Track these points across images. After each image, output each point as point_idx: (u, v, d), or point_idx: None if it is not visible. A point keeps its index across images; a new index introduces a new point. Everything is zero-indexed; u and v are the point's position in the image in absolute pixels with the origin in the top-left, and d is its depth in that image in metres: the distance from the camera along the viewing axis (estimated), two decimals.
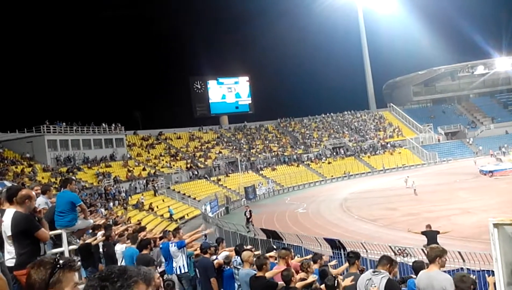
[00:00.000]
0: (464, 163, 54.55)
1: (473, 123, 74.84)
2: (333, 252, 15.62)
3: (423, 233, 14.95)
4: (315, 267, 7.58)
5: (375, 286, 5.43)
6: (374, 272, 5.75)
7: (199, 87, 72.01)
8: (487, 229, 4.34)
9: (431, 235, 14.56)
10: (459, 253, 12.70)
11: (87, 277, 8.66)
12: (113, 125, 51.86)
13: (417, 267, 6.48)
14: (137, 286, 1.72)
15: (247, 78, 74.50)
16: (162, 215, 37.34)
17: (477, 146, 65.64)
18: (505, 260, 4.26)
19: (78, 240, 10.06)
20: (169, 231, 11.69)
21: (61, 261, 2.23)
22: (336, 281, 5.57)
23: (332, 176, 58.54)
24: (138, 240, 9.51)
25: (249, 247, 10.82)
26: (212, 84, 72.03)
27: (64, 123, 46.18)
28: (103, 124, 50.75)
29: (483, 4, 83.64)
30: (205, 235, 11.44)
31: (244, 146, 64.58)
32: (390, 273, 5.75)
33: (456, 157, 63.21)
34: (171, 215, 37.59)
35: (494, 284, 5.72)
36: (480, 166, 47.01)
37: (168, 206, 39.44)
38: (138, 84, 78.37)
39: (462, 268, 11.79)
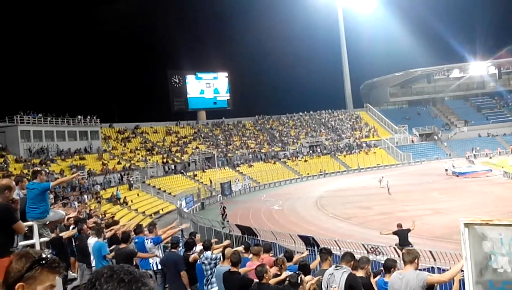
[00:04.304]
0: (437, 164, 55.60)
1: (447, 125, 76.29)
2: (307, 249, 15.73)
3: (394, 233, 15.20)
4: (290, 264, 7.63)
5: (335, 287, 5.53)
6: (336, 267, 5.86)
7: (177, 81, 71.44)
8: (458, 230, 4.45)
9: (402, 234, 14.82)
10: (430, 252, 12.95)
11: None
12: (89, 117, 51.09)
13: (389, 265, 6.59)
14: None
15: (226, 74, 74.31)
16: (136, 210, 37.02)
17: (450, 148, 67.00)
18: (474, 259, 4.35)
19: (50, 233, 9.92)
20: (142, 224, 11.57)
21: (44, 259, 2.20)
22: (299, 278, 5.63)
23: (308, 174, 58.95)
24: (106, 233, 9.45)
25: (226, 242, 10.82)
26: (190, 78, 71.56)
27: (38, 114, 45.27)
28: (78, 116, 49.94)
29: (460, 9, 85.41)
30: (182, 230, 11.41)
31: (221, 142, 64.47)
32: (353, 269, 5.89)
33: (430, 158, 64.34)
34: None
35: (459, 281, 5.89)
36: (452, 168, 48.08)
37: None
38: (115, 77, 77.27)
39: (432, 267, 12.04)
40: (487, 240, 4.28)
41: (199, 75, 72.34)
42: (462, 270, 5.02)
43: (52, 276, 2.22)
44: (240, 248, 8.89)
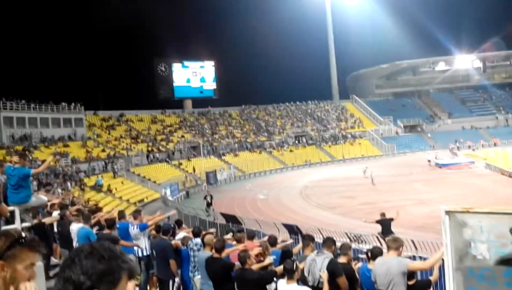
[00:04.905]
0: (421, 156, 56.21)
1: (431, 117, 76.99)
2: (291, 237, 15.84)
3: (377, 222, 15.39)
4: (273, 249, 7.69)
5: (324, 272, 5.60)
6: (318, 253, 5.93)
7: (164, 69, 70.81)
8: (440, 220, 4.52)
9: (385, 224, 15.01)
10: (412, 241, 13.15)
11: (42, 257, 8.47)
12: (73, 104, 50.52)
13: (376, 253, 6.68)
14: (125, 275, 1.65)
15: (213, 63, 73.78)
16: (120, 197, 36.83)
17: (434, 140, 67.70)
18: (454, 246, 4.41)
19: (32, 219, 9.83)
20: (124, 211, 11.50)
21: (24, 238, 2.20)
22: (295, 264, 5.68)
23: (293, 164, 59.18)
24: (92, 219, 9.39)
25: (212, 230, 10.86)
26: (177, 67, 70.97)
27: (21, 100, 44.61)
28: (62, 103, 49.32)
29: (447, 2, 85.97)
30: (168, 217, 11.39)
31: (207, 131, 64.27)
32: (335, 255, 5.96)
33: (414, 150, 64.97)
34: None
35: (439, 267, 5.99)
36: (435, 159, 48.70)
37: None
38: (100, 64, 76.38)
39: (414, 256, 12.22)
40: (467, 227, 4.35)
41: (186, 63, 71.75)
42: (442, 259, 5.12)
43: (32, 255, 2.22)
44: (228, 236, 8.93)
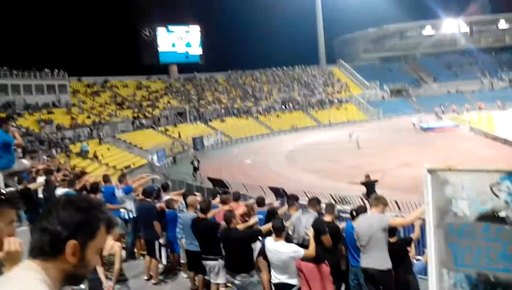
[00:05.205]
0: (406, 120, 56.56)
1: (417, 82, 77.17)
2: (277, 200, 16.03)
3: (362, 183, 15.59)
4: (261, 209, 7.78)
5: (307, 229, 5.70)
6: (303, 211, 6.03)
7: (148, 34, 69.56)
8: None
9: (370, 185, 15.21)
10: (396, 202, 13.41)
11: (28, 221, 8.51)
12: (56, 70, 49.60)
13: (360, 211, 6.80)
14: (103, 226, 1.63)
15: (198, 27, 72.50)
16: (107, 164, 36.69)
17: (420, 104, 68.04)
18: (436, 203, 4.47)
19: (17, 184, 9.77)
20: (109, 174, 11.49)
21: (4, 195, 2.17)
22: (282, 223, 5.77)
23: (280, 129, 59.28)
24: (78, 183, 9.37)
25: (197, 195, 10.92)
26: (161, 31, 69.66)
27: (3, 67, 43.65)
28: (45, 69, 48.42)
29: None
30: (153, 180, 11.42)
31: (193, 97, 63.76)
32: (319, 213, 6.08)
33: (399, 114, 65.29)
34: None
35: (420, 227, 6.13)
36: (420, 123, 49.17)
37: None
38: (83, 29, 74.59)
39: (397, 216, 12.48)
40: (448, 185, 4.41)
41: (171, 28, 70.40)
42: (423, 219, 5.23)
43: (12, 212, 2.21)
44: (217, 200, 8.98)
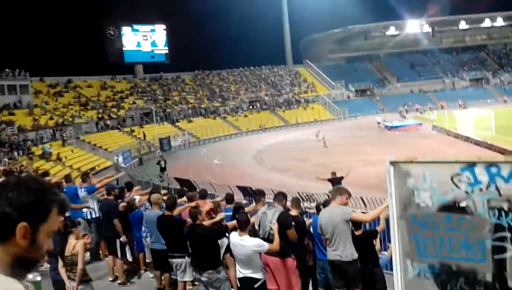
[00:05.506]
0: (371, 119, 57.59)
1: (381, 81, 78.68)
2: (245, 199, 16.00)
3: (329, 180, 15.79)
4: (229, 206, 7.74)
5: (274, 223, 5.70)
6: (269, 206, 6.03)
7: (112, 33, 68.34)
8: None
9: (336, 182, 15.39)
10: (361, 198, 13.59)
11: None
12: (17, 70, 48.17)
13: (325, 204, 6.85)
14: (55, 208, 1.54)
15: (164, 26, 71.69)
16: (71, 166, 35.82)
17: (384, 104, 69.37)
18: (399, 195, 4.54)
19: None
20: (71, 174, 11.21)
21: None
22: (247, 217, 5.75)
23: (247, 129, 59.31)
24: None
25: (163, 192, 10.80)
26: (126, 30, 68.54)
27: None
28: (6, 69, 46.94)
29: None
30: (117, 180, 11.21)
31: (159, 97, 63.04)
32: (284, 208, 6.10)
33: (364, 114, 66.41)
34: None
35: (386, 219, 6.21)
36: (384, 122, 50.14)
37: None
38: (45, 28, 72.58)
39: (363, 212, 12.66)
40: (411, 176, 4.49)
41: (136, 27, 69.36)
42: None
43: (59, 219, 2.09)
44: (183, 199, 8.88)
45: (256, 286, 5.73)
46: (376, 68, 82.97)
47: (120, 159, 37.70)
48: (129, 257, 8.45)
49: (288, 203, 7.24)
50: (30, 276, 6.55)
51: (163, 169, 30.26)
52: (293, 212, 6.44)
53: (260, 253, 5.73)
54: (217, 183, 20.41)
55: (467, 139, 35.63)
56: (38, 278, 4.93)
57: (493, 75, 76.74)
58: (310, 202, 13.92)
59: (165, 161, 31.37)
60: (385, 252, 7.78)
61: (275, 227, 5.67)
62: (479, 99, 66.12)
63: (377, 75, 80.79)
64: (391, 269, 4.73)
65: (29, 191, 1.50)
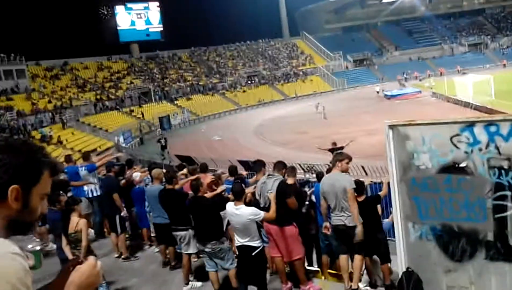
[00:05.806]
0: (370, 89, 57.35)
1: (379, 50, 77.97)
2: (246, 173, 16.05)
3: (329, 150, 15.84)
4: (229, 179, 7.78)
5: (271, 192, 5.73)
6: (268, 175, 6.05)
7: (106, 13, 67.53)
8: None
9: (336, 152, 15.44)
10: (362, 167, 13.63)
11: None
12: (13, 55, 47.82)
13: (329, 170, 6.88)
14: (46, 170, 1.53)
15: (157, 3, 70.71)
16: (72, 148, 35.87)
17: (383, 73, 68.90)
18: (398, 158, 4.55)
19: None
20: (71, 155, 11.25)
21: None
22: (242, 187, 5.79)
23: (247, 104, 59.12)
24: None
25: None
26: (120, 9, 67.65)
27: None
28: (1, 54, 46.61)
29: None
30: (117, 158, 11.26)
31: (157, 75, 62.68)
32: (285, 177, 6.12)
33: (363, 84, 66.09)
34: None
35: (388, 183, 6.22)
36: (382, 91, 49.94)
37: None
38: (38, 10, 71.59)
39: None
40: (410, 140, 4.49)
41: (129, 5, 68.40)
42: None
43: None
44: (183, 172, 8.92)
45: (253, 254, 5.82)
46: (374, 37, 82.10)
47: (121, 139, 37.73)
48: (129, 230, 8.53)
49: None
50: (29, 246, 6.65)
51: (163, 147, 30.31)
52: (290, 181, 6.47)
53: (257, 222, 5.80)
54: (218, 158, 20.45)
55: (467, 104, 35.48)
56: (37, 248, 4.99)
57: (491, 40, 75.96)
58: (312, 173, 13.99)
59: (165, 139, 31.39)
60: (386, 219, 7.82)
61: (271, 195, 5.72)
62: (478, 64, 65.56)
63: (374, 44, 80.00)
64: (394, 235, 4.77)
65: (18, 153, 1.48)
